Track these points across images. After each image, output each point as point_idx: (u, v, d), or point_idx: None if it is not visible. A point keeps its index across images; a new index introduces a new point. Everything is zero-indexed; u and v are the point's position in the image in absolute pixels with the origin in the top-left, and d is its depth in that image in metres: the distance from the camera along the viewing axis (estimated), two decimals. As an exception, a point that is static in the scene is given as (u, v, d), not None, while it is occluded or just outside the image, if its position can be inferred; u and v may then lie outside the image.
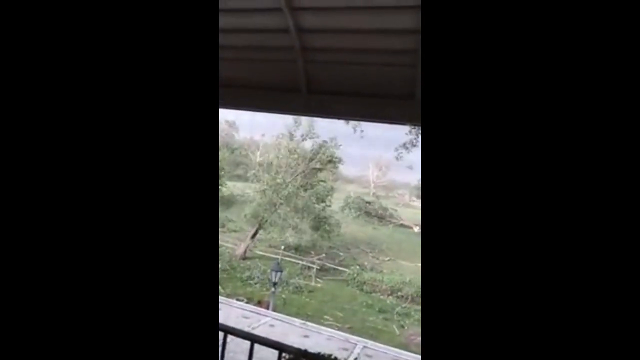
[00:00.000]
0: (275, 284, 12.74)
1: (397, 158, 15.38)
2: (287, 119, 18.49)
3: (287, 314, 10.59)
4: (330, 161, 18.86)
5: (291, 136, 18.90)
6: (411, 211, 30.03)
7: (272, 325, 8.49)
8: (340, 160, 19.36)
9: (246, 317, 8.72)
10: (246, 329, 5.95)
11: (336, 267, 18.62)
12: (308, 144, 18.79)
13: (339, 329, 11.49)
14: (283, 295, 15.00)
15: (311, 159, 18.40)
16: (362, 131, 16.01)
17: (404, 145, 14.84)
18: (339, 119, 4.46)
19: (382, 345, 7.95)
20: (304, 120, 17.94)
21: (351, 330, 12.67)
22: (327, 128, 18.81)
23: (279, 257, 17.65)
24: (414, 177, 34.16)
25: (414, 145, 14.71)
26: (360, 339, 8.24)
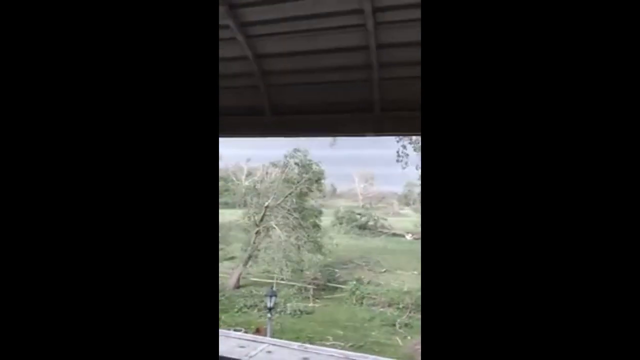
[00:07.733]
0: (270, 309, 12.52)
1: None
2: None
3: (287, 339, 10.33)
4: (317, 180, 18.90)
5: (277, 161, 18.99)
6: (401, 219, 30.06)
7: (269, 352, 8.23)
8: (325, 178, 19.41)
9: (242, 347, 8.45)
10: (244, 358, 5.73)
11: (333, 285, 18.38)
12: (292, 165, 18.82)
13: (342, 348, 11.22)
14: (281, 320, 14.67)
15: (297, 180, 18.38)
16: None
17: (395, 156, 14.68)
18: (301, 137, 4.79)
19: (383, 359, 7.77)
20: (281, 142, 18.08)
21: (354, 348, 12.41)
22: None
23: (273, 281, 17.34)
24: (400, 186, 34.32)
25: (401, 156, 14.57)
26: (360, 354, 8.05)
